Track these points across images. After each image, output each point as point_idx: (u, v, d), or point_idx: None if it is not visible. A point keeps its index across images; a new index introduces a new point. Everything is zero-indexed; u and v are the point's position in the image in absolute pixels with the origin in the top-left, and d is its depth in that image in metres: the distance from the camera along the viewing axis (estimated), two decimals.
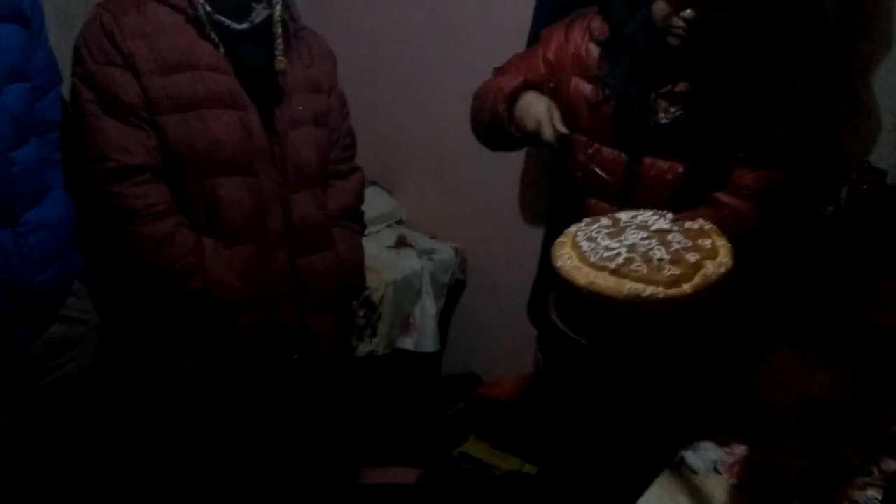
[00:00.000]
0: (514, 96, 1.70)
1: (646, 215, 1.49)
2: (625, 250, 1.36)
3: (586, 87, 1.73)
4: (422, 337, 2.83)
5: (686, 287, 1.32)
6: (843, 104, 2.27)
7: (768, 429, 1.74)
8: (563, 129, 1.56)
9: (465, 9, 2.74)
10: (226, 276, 1.74)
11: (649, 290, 1.30)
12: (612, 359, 1.69)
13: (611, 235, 1.42)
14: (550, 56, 1.78)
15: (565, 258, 1.40)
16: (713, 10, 1.53)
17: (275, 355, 1.85)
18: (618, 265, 1.33)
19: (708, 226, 1.48)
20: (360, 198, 2.05)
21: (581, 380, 1.97)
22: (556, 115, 1.59)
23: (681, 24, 1.55)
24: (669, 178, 1.68)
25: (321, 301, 1.90)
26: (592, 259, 1.36)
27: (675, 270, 1.32)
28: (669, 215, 1.50)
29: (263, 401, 1.89)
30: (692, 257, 1.36)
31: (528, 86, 1.71)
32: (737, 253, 1.43)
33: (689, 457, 1.66)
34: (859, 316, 2.11)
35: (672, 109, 1.65)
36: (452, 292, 3.01)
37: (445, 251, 2.93)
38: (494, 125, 1.76)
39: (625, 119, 1.67)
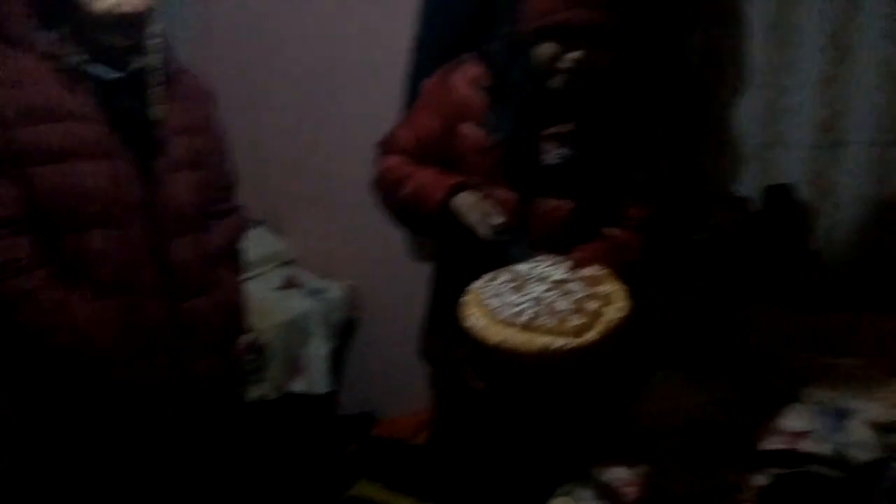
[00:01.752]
0: (444, 203, 1.69)
1: (544, 266, 1.53)
2: (530, 304, 1.40)
3: (474, 132, 1.75)
4: (313, 378, 2.79)
5: (591, 335, 1.38)
6: (709, 135, 2.39)
7: (652, 452, 1.78)
8: (497, 219, 1.60)
9: (349, 49, 2.76)
10: (95, 331, 1.68)
11: (558, 342, 1.35)
12: (528, 408, 1.74)
13: (514, 290, 1.45)
14: (438, 107, 1.79)
15: (474, 318, 1.42)
16: (598, 49, 1.59)
17: (152, 407, 1.80)
18: (526, 320, 1.37)
19: (603, 271, 1.54)
20: (239, 238, 2.03)
21: (477, 419, 1.98)
22: (485, 209, 1.63)
23: (568, 65, 1.60)
24: (560, 216, 1.73)
25: (207, 344, 1.86)
26: (501, 316, 1.39)
27: (580, 320, 1.37)
28: (567, 264, 1.54)
29: (149, 453, 1.82)
30: (593, 305, 1.41)
31: (453, 190, 1.70)
32: (626, 283, 1.49)
33: (575, 486, 1.68)
34: (734, 338, 2.21)
35: (559, 150, 1.70)
36: (346, 331, 2.98)
37: (336, 290, 2.90)
38: (419, 218, 1.76)
39: (515, 161, 1.71)
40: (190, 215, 1.82)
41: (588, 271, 1.53)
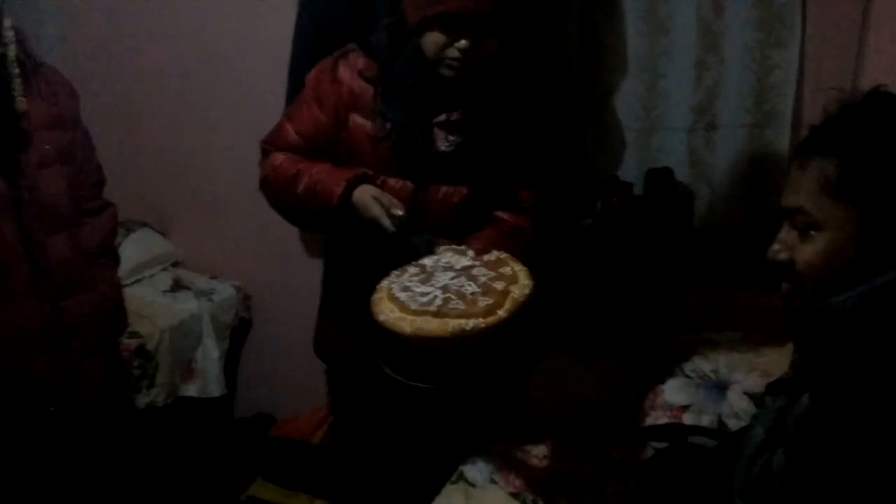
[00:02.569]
0: (345, 197, 1.66)
1: (447, 256, 1.56)
2: (440, 292, 1.43)
3: (365, 123, 1.73)
4: (206, 382, 2.72)
5: (501, 312, 1.40)
6: (591, 123, 2.44)
7: (542, 433, 1.81)
8: (398, 211, 1.60)
9: (227, 44, 2.70)
10: None
11: (471, 323, 1.37)
12: (452, 396, 1.73)
13: (422, 282, 1.47)
14: (325, 99, 1.76)
15: (387, 312, 1.43)
16: (484, 38, 1.60)
17: (32, 410, 1.76)
18: (437, 307, 1.39)
19: (503, 255, 1.57)
20: (113, 234, 2.00)
21: (372, 412, 1.97)
22: (386, 201, 1.61)
23: (455, 54, 1.60)
24: (455, 202, 1.74)
25: (88, 343, 1.84)
26: (413, 307, 1.41)
27: (489, 300, 1.40)
28: (470, 252, 1.56)
29: (28, 459, 1.78)
30: (499, 285, 1.44)
31: (351, 184, 1.67)
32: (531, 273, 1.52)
33: (468, 470, 1.69)
34: (618, 319, 2.27)
35: (450, 137, 1.71)
36: (238, 332, 2.91)
37: (226, 290, 2.83)
38: (316, 215, 1.72)
39: (406, 150, 1.70)
40: (63, 211, 1.79)
41: (490, 256, 1.56)
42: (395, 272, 1.54)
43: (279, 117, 2.33)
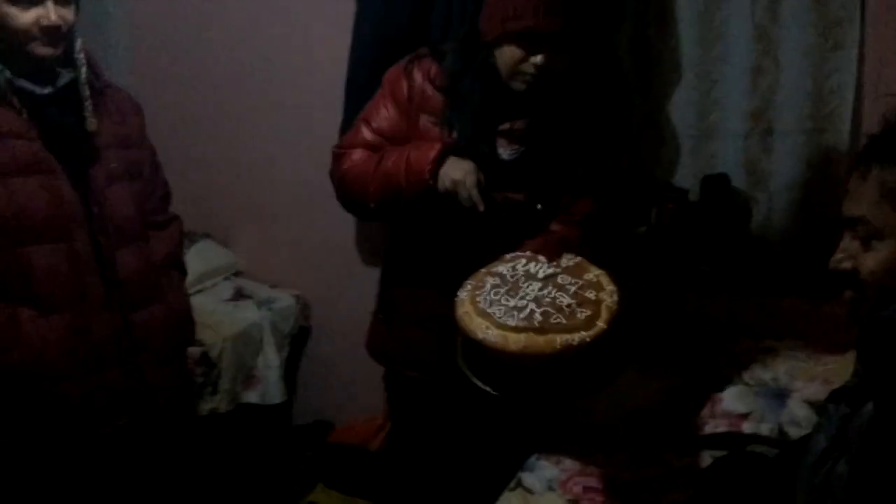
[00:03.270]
0: (438, 162, 1.70)
1: (521, 264, 1.55)
2: (534, 305, 1.42)
3: (433, 127, 1.79)
4: (267, 389, 2.77)
5: (601, 324, 1.41)
6: (645, 131, 2.44)
7: (598, 442, 1.81)
8: (476, 198, 1.62)
9: (286, 55, 2.76)
10: (44, 347, 1.70)
11: (577, 338, 1.37)
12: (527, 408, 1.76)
13: (510, 294, 1.46)
14: (400, 97, 1.81)
15: (484, 328, 1.41)
16: (557, 55, 1.65)
17: (106, 419, 1.80)
18: (539, 322, 1.38)
19: (579, 259, 1.58)
20: (179, 246, 2.06)
21: (431, 415, 2.00)
22: (471, 181, 1.64)
23: (531, 69, 1.66)
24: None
25: (159, 354, 1.89)
26: (512, 322, 1.40)
27: (587, 311, 1.40)
28: (542, 258, 1.56)
29: (99, 468, 1.83)
30: (591, 294, 1.45)
31: (444, 154, 1.71)
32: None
33: (526, 477, 1.71)
34: (676, 327, 2.25)
35: (513, 146, 1.75)
36: (297, 340, 2.97)
37: (286, 299, 2.89)
38: (397, 195, 1.75)
39: (471, 157, 1.73)
40: (131, 226, 1.85)
41: (567, 262, 1.56)
42: (470, 282, 1.55)
43: (336, 129, 2.41)
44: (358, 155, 1.82)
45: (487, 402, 1.82)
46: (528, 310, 1.41)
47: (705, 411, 1.84)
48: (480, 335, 1.41)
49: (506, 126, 1.75)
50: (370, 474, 2.65)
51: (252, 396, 2.76)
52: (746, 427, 1.78)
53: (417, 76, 1.81)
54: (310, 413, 3.07)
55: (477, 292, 1.49)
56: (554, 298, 1.42)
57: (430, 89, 1.79)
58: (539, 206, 1.74)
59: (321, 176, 1.98)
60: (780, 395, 1.83)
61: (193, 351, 2.50)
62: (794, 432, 1.71)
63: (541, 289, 1.46)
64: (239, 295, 2.86)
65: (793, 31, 2.25)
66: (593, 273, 1.52)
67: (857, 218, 1.12)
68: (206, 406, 2.58)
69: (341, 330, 2.92)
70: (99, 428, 1.79)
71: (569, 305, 1.41)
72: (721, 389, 1.88)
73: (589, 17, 1.71)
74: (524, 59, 1.66)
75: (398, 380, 2.05)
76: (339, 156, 1.86)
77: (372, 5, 2.34)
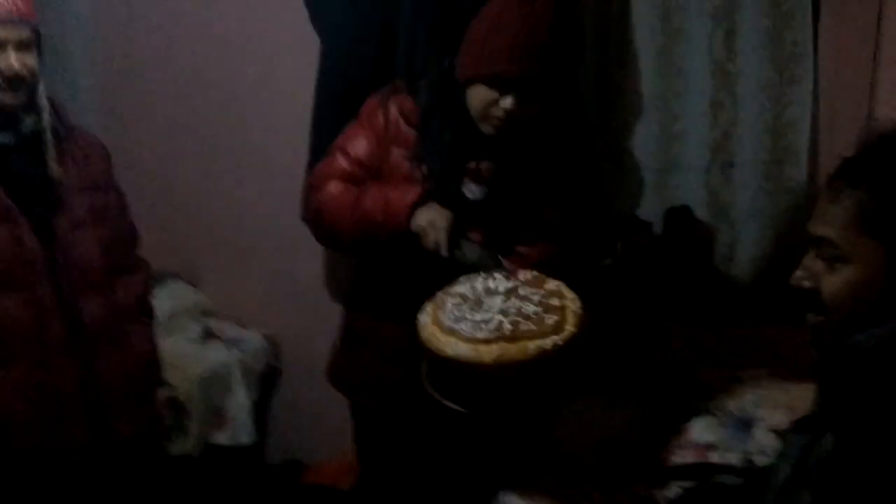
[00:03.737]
0: (415, 206, 1.71)
1: (479, 281, 1.55)
2: (501, 316, 1.42)
3: (403, 161, 1.80)
4: (237, 430, 2.75)
5: (569, 328, 1.42)
6: (609, 164, 2.48)
7: (569, 474, 1.81)
8: (443, 242, 1.65)
9: (252, 93, 2.78)
10: (3, 398, 1.69)
11: (549, 342, 1.38)
12: (497, 423, 1.76)
13: (473, 309, 1.46)
14: (377, 128, 1.83)
15: (454, 345, 1.41)
16: (529, 100, 1.67)
17: (71, 471, 1.78)
18: (510, 331, 1.38)
19: (534, 272, 1.59)
20: (147, 291, 2.05)
21: (395, 445, 1.99)
22: (443, 226, 1.66)
23: (500, 113, 1.67)
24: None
25: (125, 401, 1.88)
26: (481, 335, 1.39)
27: (554, 316, 1.41)
28: (499, 275, 1.57)
29: None
30: (555, 301, 1.46)
31: (423, 199, 1.72)
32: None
33: None
34: (645, 357, 2.27)
35: (477, 187, 1.76)
36: (267, 380, 2.95)
37: (255, 339, 2.88)
38: (373, 234, 1.76)
39: (442, 196, 1.75)
40: (96, 272, 1.84)
41: (526, 275, 1.57)
42: (429, 305, 1.55)
43: (302, 168, 2.42)
44: (335, 188, 1.81)
45: (451, 430, 1.83)
46: (495, 321, 1.41)
47: (673, 442, 1.85)
48: (451, 352, 1.41)
49: (472, 165, 1.77)
50: None
51: (222, 438, 2.73)
52: (714, 457, 1.78)
53: (393, 110, 1.82)
54: (281, 453, 3.04)
55: (439, 312, 1.49)
56: (520, 308, 1.43)
57: (403, 125, 1.81)
58: (500, 257, 1.74)
59: (290, 214, 1.99)
60: (745, 425, 1.85)
61: (161, 393, 2.47)
62: (761, 461, 1.72)
63: (504, 301, 1.46)
64: (208, 335, 2.84)
65: (749, 66, 2.31)
66: (552, 283, 1.53)
67: (822, 238, 1.12)
68: (175, 449, 2.54)
69: (312, 369, 2.88)
70: (61, 479, 1.76)
71: (536, 313, 1.41)
72: (688, 420, 1.89)
73: (560, 64, 1.73)
74: (494, 103, 1.67)
75: (361, 411, 2.05)
76: (315, 188, 1.86)
77: (335, 45, 2.36)
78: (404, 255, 1.76)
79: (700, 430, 1.85)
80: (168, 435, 2.52)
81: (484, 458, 1.91)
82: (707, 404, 1.93)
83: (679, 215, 2.38)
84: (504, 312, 1.42)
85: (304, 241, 2.16)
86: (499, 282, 1.54)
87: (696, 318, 2.32)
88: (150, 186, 2.84)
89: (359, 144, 1.83)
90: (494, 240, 1.78)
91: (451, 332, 1.42)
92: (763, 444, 1.77)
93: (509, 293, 1.49)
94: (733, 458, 1.76)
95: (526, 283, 1.53)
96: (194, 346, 2.77)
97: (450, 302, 1.51)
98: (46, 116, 1.74)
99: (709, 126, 2.38)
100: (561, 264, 1.89)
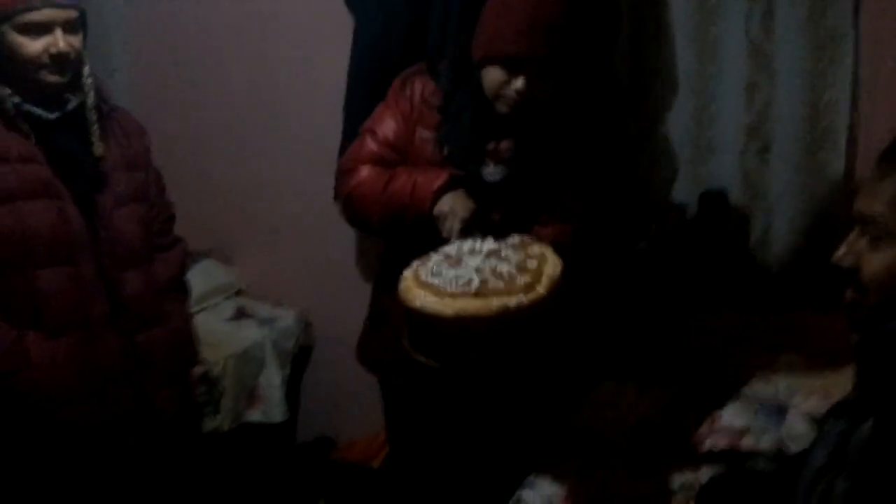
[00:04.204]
0: (440, 192, 1.73)
1: (468, 243, 1.59)
2: (474, 274, 1.44)
3: (427, 142, 1.82)
4: (269, 407, 2.78)
5: (540, 289, 1.43)
6: (642, 147, 2.45)
7: (599, 457, 1.82)
8: (455, 235, 1.65)
9: (285, 73, 2.78)
10: (52, 370, 1.72)
11: (514, 300, 1.39)
12: (477, 380, 1.78)
13: (452, 266, 1.49)
14: (404, 108, 1.84)
15: (422, 297, 1.44)
16: (540, 81, 1.67)
17: (114, 441, 1.81)
18: (477, 288, 1.40)
19: (525, 237, 1.62)
20: (183, 268, 2.08)
21: (424, 422, 2.00)
22: (462, 217, 1.67)
23: (511, 93, 1.68)
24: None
25: (162, 376, 1.90)
26: (451, 289, 1.42)
27: (526, 277, 1.43)
28: (489, 237, 1.60)
29: (106, 488, 1.83)
30: (532, 264, 1.47)
31: (449, 185, 1.74)
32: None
33: (526, 495, 1.71)
34: (678, 342, 2.26)
35: (498, 168, 1.76)
36: (299, 358, 2.98)
37: (287, 317, 2.90)
38: (400, 218, 1.78)
39: (465, 178, 1.76)
40: (137, 249, 1.87)
41: (513, 240, 1.59)
42: (417, 261, 1.58)
43: (335, 148, 2.43)
44: (366, 172, 1.83)
45: (480, 410, 1.84)
46: (466, 277, 1.44)
47: (704, 427, 1.85)
48: (418, 303, 1.44)
49: (492, 146, 1.77)
50: (373, 492, 2.65)
51: (254, 415, 2.76)
52: (746, 442, 1.78)
53: (416, 92, 1.84)
54: (312, 431, 3.07)
55: (420, 268, 1.52)
56: (495, 267, 1.45)
57: (425, 106, 1.82)
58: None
59: (322, 194, 2.00)
60: (779, 410, 1.83)
61: (196, 370, 2.51)
62: (793, 447, 1.71)
63: (483, 260, 1.49)
64: (240, 314, 2.87)
65: (787, 47, 2.27)
66: (538, 248, 1.55)
67: (868, 215, 1.10)
68: (208, 425, 2.58)
69: (343, 348, 2.91)
70: (107, 449, 1.80)
71: (509, 272, 1.43)
72: (721, 405, 1.88)
73: (579, 45, 1.72)
74: (506, 83, 1.68)
75: (390, 389, 2.06)
76: (346, 172, 1.88)
77: (369, 24, 2.36)
78: (430, 239, 1.77)
79: (732, 416, 1.85)
80: (202, 411, 2.57)
81: (512, 438, 1.92)
82: (740, 390, 1.92)
83: (714, 199, 2.36)
84: (478, 270, 1.45)
85: (336, 220, 2.18)
86: (485, 244, 1.56)
87: (730, 303, 2.30)
88: (184, 166, 2.86)
89: (387, 126, 1.85)
90: (513, 220, 1.78)
91: (425, 285, 1.45)
92: (796, 431, 1.76)
93: (490, 254, 1.51)
94: (766, 444, 1.76)
95: (510, 245, 1.55)
96: (227, 325, 2.80)
97: (434, 259, 1.54)
98: (91, 95, 1.76)
99: (744, 108, 2.35)
100: (589, 246, 1.89)
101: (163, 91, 2.93)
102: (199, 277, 2.84)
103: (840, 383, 1.81)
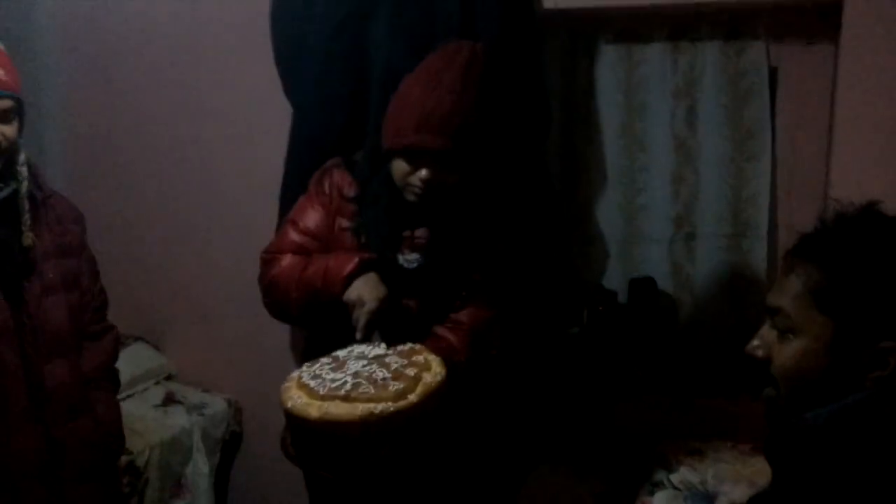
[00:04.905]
0: (351, 276, 1.73)
1: (361, 347, 1.61)
2: (350, 378, 1.45)
3: (345, 231, 1.84)
4: (196, 498, 2.68)
5: (412, 397, 1.43)
6: (574, 234, 2.52)
7: None
8: (361, 329, 1.66)
9: (221, 160, 2.78)
10: None
11: (380, 407, 1.39)
12: (361, 488, 1.74)
13: (334, 370, 1.50)
14: (319, 199, 1.87)
15: (295, 398, 1.44)
16: (445, 171, 1.71)
17: None
18: (346, 391, 1.41)
19: (417, 346, 1.63)
20: (114, 357, 2.03)
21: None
22: (371, 308, 1.67)
23: (417, 182, 1.71)
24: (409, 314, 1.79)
25: (83, 470, 1.84)
26: (322, 392, 1.42)
27: (399, 385, 1.43)
28: (383, 344, 1.61)
29: None
30: (411, 371, 1.48)
31: (360, 270, 1.74)
32: (450, 378, 1.56)
33: None
34: (608, 430, 2.27)
35: (413, 255, 1.79)
36: (229, 446, 2.90)
37: (218, 404, 2.83)
38: (315, 303, 1.77)
39: (381, 265, 1.77)
40: (64, 338, 1.83)
41: (403, 347, 1.61)
42: (307, 363, 1.58)
43: (270, 235, 2.42)
44: (287, 261, 1.85)
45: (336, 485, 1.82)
46: (342, 381, 1.44)
47: None
48: (290, 404, 1.43)
49: (407, 233, 1.80)
50: None
51: None
52: None
53: (334, 184, 1.87)
54: None
55: (306, 370, 1.53)
56: (372, 373, 1.46)
57: (342, 199, 1.85)
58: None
59: (255, 280, 1.99)
60: (707, 499, 1.85)
61: (121, 460, 2.43)
62: None
63: (364, 366, 1.50)
64: (169, 400, 2.78)
65: (709, 142, 2.38)
66: (424, 356, 1.56)
67: (775, 308, 1.15)
68: None
69: (275, 434, 2.85)
70: None
71: (383, 379, 1.44)
72: (651, 494, 1.89)
73: (487, 136, 1.76)
74: (411, 173, 1.71)
75: (314, 482, 2.02)
76: (268, 261, 1.89)
77: (308, 114, 2.40)
78: (348, 327, 1.77)
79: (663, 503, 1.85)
80: (127, 502, 2.47)
81: None
82: (669, 478, 1.93)
83: (643, 286, 2.42)
84: (355, 375, 1.46)
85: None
86: (371, 348, 1.58)
87: (659, 389, 2.33)
88: (117, 249, 2.83)
89: (308, 216, 1.87)
90: (430, 307, 1.80)
91: (302, 387, 1.46)
92: None
93: (375, 359, 1.53)
94: None
95: (399, 352, 1.57)
96: (155, 412, 2.71)
97: (322, 362, 1.55)
98: (24, 184, 1.75)
99: (671, 199, 2.44)
100: (511, 332, 1.91)
101: (98, 175, 2.91)
102: (129, 361, 2.76)
103: (766, 471, 1.84)
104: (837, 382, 1.10)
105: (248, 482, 2.97)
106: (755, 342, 1.19)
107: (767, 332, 1.18)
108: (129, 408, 2.66)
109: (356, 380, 1.43)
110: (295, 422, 1.44)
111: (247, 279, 2.29)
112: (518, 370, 2.17)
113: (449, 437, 1.64)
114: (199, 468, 2.70)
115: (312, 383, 1.45)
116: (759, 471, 1.91)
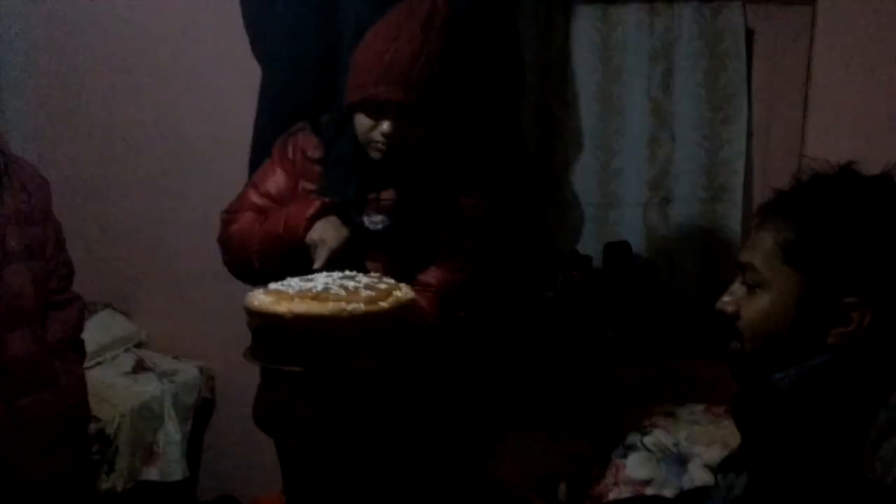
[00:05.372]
0: (313, 219, 1.69)
1: (325, 274, 1.58)
2: (320, 284, 1.45)
3: (309, 194, 1.78)
4: (167, 465, 2.66)
5: (383, 304, 1.43)
6: (549, 198, 2.50)
7: None
8: (321, 264, 1.62)
9: (191, 123, 2.73)
10: None
11: (351, 306, 1.38)
12: (334, 383, 1.73)
13: (303, 280, 1.49)
14: (287, 164, 1.82)
15: (262, 298, 1.43)
16: (408, 125, 1.66)
17: None
18: (317, 292, 1.40)
19: (382, 275, 1.61)
20: (79, 327, 1.99)
21: (319, 485, 1.95)
22: (333, 246, 1.64)
23: (379, 137, 1.66)
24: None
25: (45, 443, 1.81)
26: (291, 293, 1.41)
27: (371, 292, 1.43)
28: (348, 271, 1.59)
29: None
30: (382, 286, 1.49)
31: (321, 212, 1.71)
32: (416, 340, 1.56)
33: None
34: (581, 394, 2.28)
35: (379, 217, 1.75)
36: (201, 413, 2.87)
37: (189, 371, 2.80)
38: (277, 253, 1.73)
39: (341, 207, 1.73)
40: (26, 308, 1.79)
41: (374, 275, 1.60)
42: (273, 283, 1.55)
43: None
44: (245, 218, 1.82)
45: (374, 468, 1.81)
46: (312, 284, 1.44)
47: (609, 478, 1.85)
48: (256, 303, 1.42)
49: (373, 195, 1.76)
50: None
51: (152, 473, 2.63)
52: (649, 493, 1.79)
53: (297, 147, 1.82)
54: (214, 489, 2.96)
55: (276, 283, 1.51)
56: (342, 282, 1.46)
57: (307, 161, 1.81)
58: None
59: None
60: (680, 461, 1.86)
61: (89, 427, 2.40)
62: None
63: (335, 281, 1.49)
64: (140, 367, 2.75)
65: (686, 105, 2.37)
66: (394, 281, 1.56)
67: (746, 264, 1.15)
68: (102, 485, 2.46)
69: (247, 402, 2.83)
70: None
71: (354, 287, 1.44)
72: (624, 456, 1.89)
73: (453, 91, 1.71)
74: (373, 128, 1.67)
75: (286, 450, 2.01)
76: (226, 220, 1.86)
77: (276, 77, 2.34)
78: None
79: (635, 467, 1.86)
80: (95, 471, 2.45)
81: (411, 492, 1.88)
82: (643, 440, 1.93)
83: (618, 250, 2.41)
84: (326, 284, 1.45)
85: None
86: (342, 275, 1.56)
87: (633, 353, 2.33)
88: (85, 215, 2.77)
89: (270, 180, 1.84)
90: (397, 269, 1.77)
91: (270, 293, 1.44)
92: (698, 481, 1.79)
93: (344, 277, 1.52)
94: (668, 494, 1.77)
95: (366, 276, 1.56)
96: (125, 379, 2.67)
97: (291, 279, 1.54)
98: None
99: (647, 163, 2.43)
100: (493, 296, 1.88)
101: (63, 140, 2.85)
102: (98, 329, 2.73)
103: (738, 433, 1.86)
104: (801, 338, 1.11)
105: (220, 449, 2.96)
106: (725, 298, 1.19)
107: (737, 289, 1.18)
108: (98, 375, 2.62)
109: (327, 286, 1.42)
110: (263, 320, 1.41)
111: (215, 245, 2.26)
112: (492, 334, 2.16)
113: (421, 399, 1.63)
114: (171, 436, 2.67)
115: (280, 287, 1.43)
116: (731, 433, 1.89)
